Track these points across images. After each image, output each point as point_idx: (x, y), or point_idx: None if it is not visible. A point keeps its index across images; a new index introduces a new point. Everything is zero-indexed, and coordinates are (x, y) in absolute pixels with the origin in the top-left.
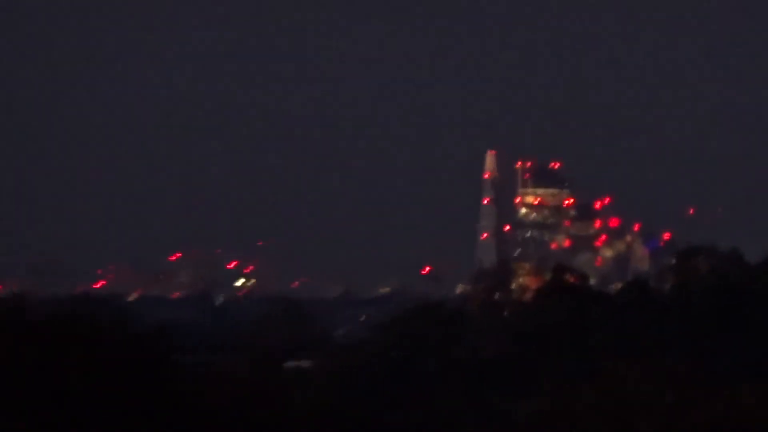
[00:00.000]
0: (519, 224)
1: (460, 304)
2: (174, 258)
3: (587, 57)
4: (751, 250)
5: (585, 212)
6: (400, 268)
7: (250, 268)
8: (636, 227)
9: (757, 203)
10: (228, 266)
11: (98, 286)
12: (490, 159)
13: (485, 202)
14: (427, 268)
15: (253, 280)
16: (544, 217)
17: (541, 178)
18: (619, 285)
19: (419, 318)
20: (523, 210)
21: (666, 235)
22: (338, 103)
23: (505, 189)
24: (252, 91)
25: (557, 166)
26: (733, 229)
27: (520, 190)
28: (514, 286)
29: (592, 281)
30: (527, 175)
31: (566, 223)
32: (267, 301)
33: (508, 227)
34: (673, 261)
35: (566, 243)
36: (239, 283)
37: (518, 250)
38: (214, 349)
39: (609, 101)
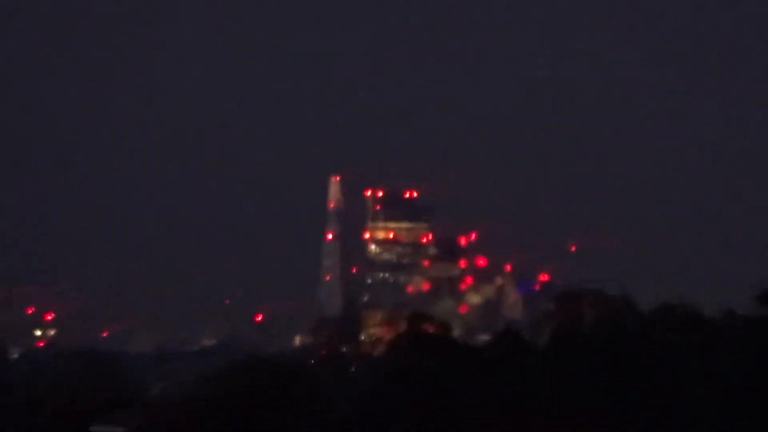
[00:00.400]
0: (369, 264)
1: (298, 359)
2: None
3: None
4: (644, 294)
5: (447, 250)
6: (228, 314)
7: (50, 315)
8: (507, 268)
9: (650, 238)
10: (26, 312)
11: None
12: (333, 186)
13: (329, 237)
14: (260, 316)
15: (53, 330)
16: (398, 256)
17: (395, 209)
18: (487, 336)
19: (247, 376)
20: (374, 247)
21: (543, 277)
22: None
23: (351, 221)
24: None
25: (413, 195)
26: (623, 271)
27: (370, 224)
28: (362, 337)
29: (456, 332)
30: (378, 206)
31: (425, 262)
32: (70, 354)
33: (355, 267)
34: (552, 306)
35: (425, 286)
36: (38, 332)
37: (367, 295)
38: (5, 409)
39: (474, 122)
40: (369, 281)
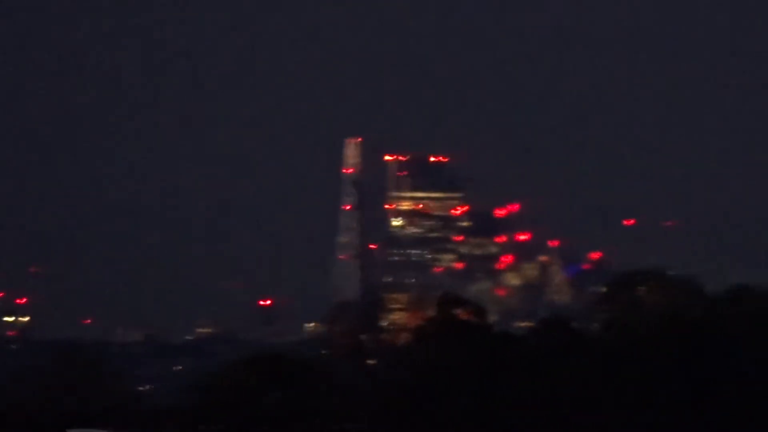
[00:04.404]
0: (392, 240)
1: (310, 351)
2: None
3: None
4: (710, 276)
5: (483, 223)
6: (226, 300)
7: (23, 299)
8: (553, 243)
9: (717, 214)
10: None
11: None
12: (351, 149)
13: (345, 208)
14: (267, 301)
15: (26, 317)
16: (426, 230)
17: (423, 176)
18: (529, 323)
19: (251, 374)
20: (397, 220)
21: (594, 255)
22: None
23: (371, 191)
24: None
25: (444, 160)
26: (687, 250)
27: (393, 193)
28: (385, 324)
29: (493, 318)
30: (402, 172)
31: (457, 238)
32: (44, 345)
33: (376, 244)
34: (604, 290)
35: (457, 265)
36: (9, 319)
37: (390, 276)
38: None
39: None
40: (392, 260)
